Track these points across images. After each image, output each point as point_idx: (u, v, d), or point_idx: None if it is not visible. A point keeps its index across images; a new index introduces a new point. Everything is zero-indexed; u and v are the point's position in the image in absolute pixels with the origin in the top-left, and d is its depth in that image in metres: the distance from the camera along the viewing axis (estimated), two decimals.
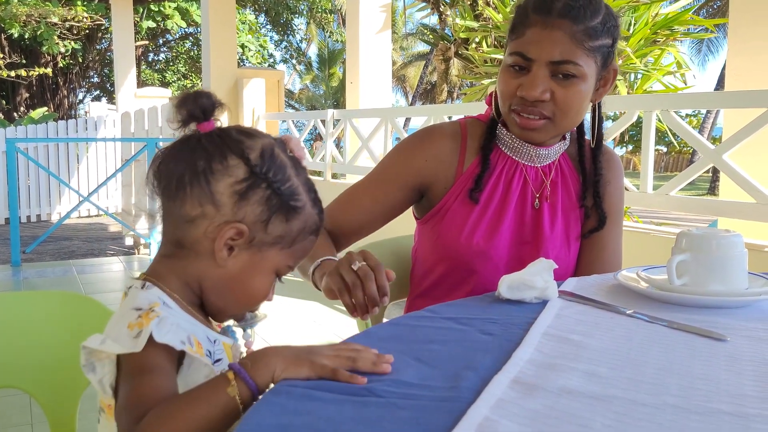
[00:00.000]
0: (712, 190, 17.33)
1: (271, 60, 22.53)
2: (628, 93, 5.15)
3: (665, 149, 26.77)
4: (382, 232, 1.32)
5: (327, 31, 29.03)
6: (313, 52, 32.60)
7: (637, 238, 2.78)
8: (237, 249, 0.79)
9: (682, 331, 0.79)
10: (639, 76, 5.27)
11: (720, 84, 19.90)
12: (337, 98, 29.00)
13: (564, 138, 1.27)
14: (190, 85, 21.56)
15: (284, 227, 0.80)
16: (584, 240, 1.28)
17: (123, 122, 6.35)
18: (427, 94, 33.35)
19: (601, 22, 1.13)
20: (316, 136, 24.87)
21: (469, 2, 6.35)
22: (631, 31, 5.02)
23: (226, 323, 0.88)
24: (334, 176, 5.37)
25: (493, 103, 1.27)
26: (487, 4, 5.87)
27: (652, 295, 0.92)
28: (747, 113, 2.62)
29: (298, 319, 3.83)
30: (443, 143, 1.25)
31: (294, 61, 29.04)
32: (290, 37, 25.47)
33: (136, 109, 9.31)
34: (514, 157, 1.25)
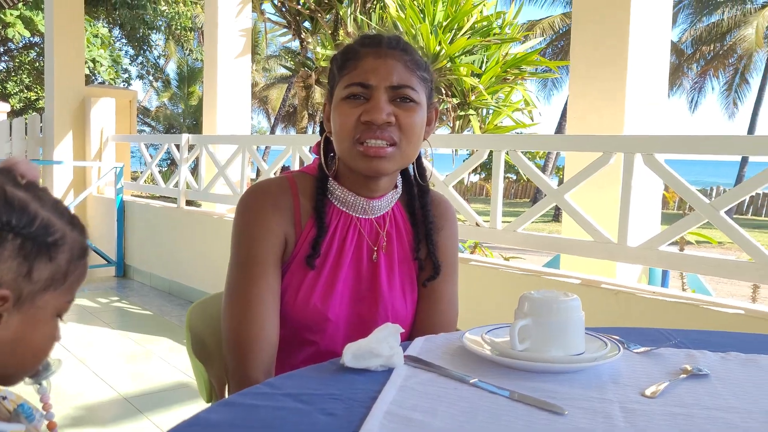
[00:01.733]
0: (557, 217, 18.52)
1: (126, 76, 21.54)
2: (480, 127, 5.37)
3: (515, 177, 28.31)
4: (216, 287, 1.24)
5: (186, 49, 28.18)
6: (171, 69, 31.56)
7: (486, 273, 2.87)
8: (6, 314, 0.70)
9: (523, 404, 0.79)
10: (490, 111, 5.52)
11: (563, 117, 21.40)
12: (197, 117, 28.17)
13: (396, 186, 1.27)
14: (35, 97, 20.12)
15: (51, 268, 0.73)
16: (421, 290, 1.28)
17: None
18: (289, 116, 33.21)
19: (422, 60, 1.21)
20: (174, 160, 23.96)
21: (329, 31, 6.38)
22: (483, 69, 5.25)
23: (19, 402, 0.78)
24: (188, 203, 5.16)
25: (321, 154, 1.25)
26: (347, 34, 5.92)
27: (495, 360, 0.92)
28: (587, 155, 2.79)
29: (104, 362, 3.60)
30: (281, 206, 1.20)
31: (151, 78, 27.87)
32: (147, 52, 24.45)
33: None
34: (347, 211, 1.23)
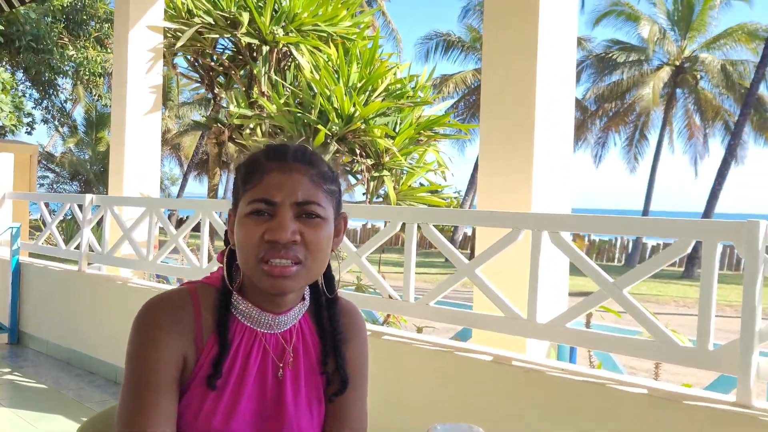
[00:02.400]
0: None
1: (29, 119, 20.66)
2: (394, 188, 5.42)
3: None
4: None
5: (95, 94, 27.40)
6: (79, 113, 30.54)
7: (399, 348, 2.84)
8: None
9: None
10: (404, 172, 5.59)
11: (476, 169, 21.99)
12: (105, 164, 27.25)
13: (303, 299, 1.23)
14: None
15: None
16: (328, 405, 1.23)
17: None
18: (203, 164, 32.64)
19: (329, 169, 1.17)
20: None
21: (243, 88, 6.34)
22: (397, 131, 5.33)
23: None
24: (90, 265, 4.91)
25: (224, 266, 1.20)
26: (262, 93, 5.90)
27: None
28: (497, 230, 2.84)
29: None
30: (180, 323, 1.13)
31: (57, 123, 26.86)
32: (53, 96, 23.61)
33: None
34: (252, 326, 1.18)
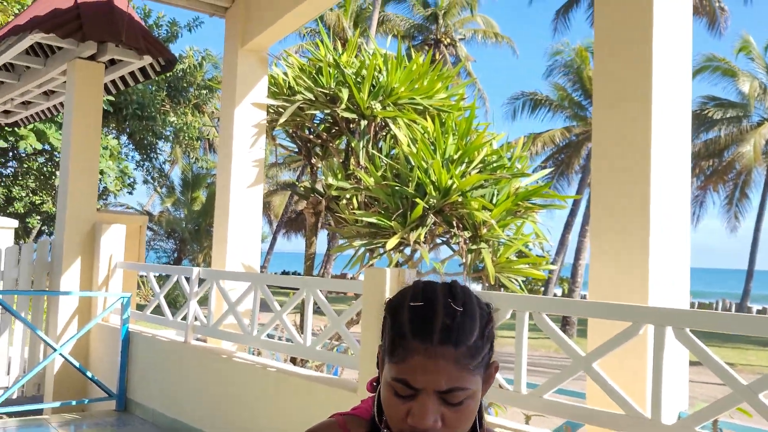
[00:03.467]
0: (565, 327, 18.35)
1: (131, 180, 21.81)
2: (492, 260, 5.35)
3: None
4: None
5: (192, 156, 28.80)
6: (176, 174, 32.10)
7: None
8: None
9: None
10: (501, 244, 5.52)
11: (566, 229, 21.54)
12: (199, 223, 28.41)
13: None
14: (39, 201, 20.32)
15: None
16: None
17: None
18: (291, 222, 33.51)
19: (479, 334, 1.11)
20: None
21: (340, 159, 6.48)
22: (494, 202, 5.29)
23: None
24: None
25: (375, 407, 1.19)
26: (359, 165, 6.01)
27: None
28: (614, 322, 2.73)
29: None
30: None
31: (156, 184, 28.31)
32: (153, 159, 24.96)
33: None
34: None
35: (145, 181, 26.54)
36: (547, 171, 6.37)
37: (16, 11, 12.67)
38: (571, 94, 24.40)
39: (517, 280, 5.62)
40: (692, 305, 25.76)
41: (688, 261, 3.11)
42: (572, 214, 21.35)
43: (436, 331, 1.08)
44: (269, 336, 4.46)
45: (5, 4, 12.75)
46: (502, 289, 5.66)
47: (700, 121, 24.22)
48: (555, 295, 22.41)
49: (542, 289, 21.18)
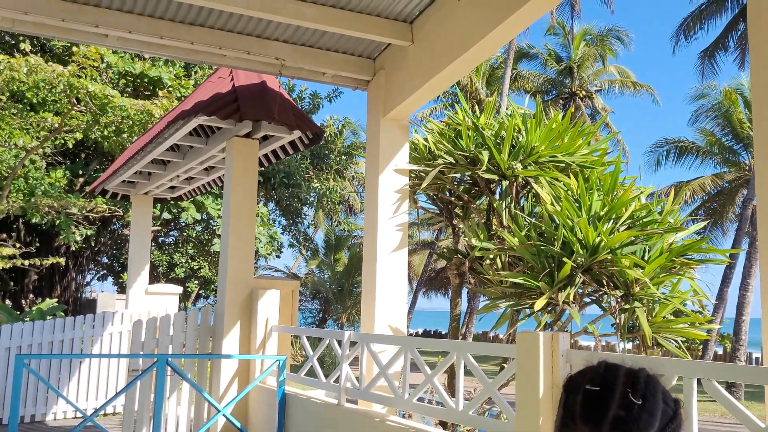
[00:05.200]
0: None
1: (279, 245, 22.95)
2: (648, 320, 5.09)
3: None
4: None
5: (334, 219, 29.91)
6: (319, 237, 33.40)
7: None
8: None
9: None
10: (657, 302, 5.25)
11: (724, 283, 20.02)
12: (342, 284, 29.18)
13: None
14: (197, 266, 21.82)
15: None
16: None
17: (134, 332, 6.27)
18: (431, 281, 33.63)
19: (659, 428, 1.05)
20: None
21: (482, 220, 6.50)
22: (646, 259, 5.07)
23: None
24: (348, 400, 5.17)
25: None
26: (501, 225, 6.00)
27: None
28: None
29: None
30: None
31: (301, 247, 29.59)
32: (299, 223, 26.18)
33: (145, 307, 9.28)
34: None
35: (291, 245, 27.85)
36: (702, 224, 6.04)
37: (180, 96, 14.00)
38: (721, 139, 23.06)
39: (675, 340, 5.32)
40: None
41: None
42: (730, 267, 19.85)
43: (607, 421, 1.05)
44: (420, 399, 4.48)
45: (170, 90, 14.14)
46: (657, 349, 5.36)
47: None
48: (715, 353, 20.71)
49: (701, 347, 19.69)
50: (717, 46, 22.30)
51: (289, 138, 6.86)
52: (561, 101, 28.06)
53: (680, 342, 5.39)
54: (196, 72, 16.18)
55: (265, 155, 7.74)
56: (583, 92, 28.44)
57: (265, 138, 7.13)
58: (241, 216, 6.60)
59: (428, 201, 7.36)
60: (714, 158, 23.26)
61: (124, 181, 9.49)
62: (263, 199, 21.52)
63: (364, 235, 6.24)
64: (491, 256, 6.08)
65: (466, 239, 6.60)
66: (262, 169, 17.74)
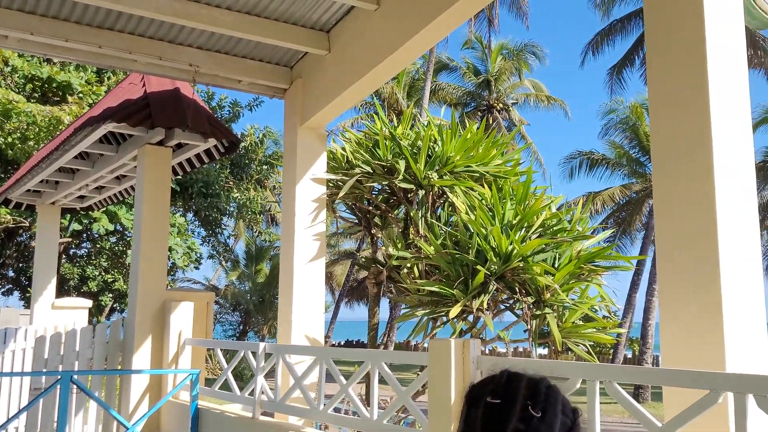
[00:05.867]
0: (636, 397, 17.52)
1: (198, 256, 22.44)
2: (558, 325, 5.24)
3: None
4: None
5: (255, 230, 29.49)
6: (240, 248, 32.85)
7: None
8: None
9: None
10: (567, 308, 5.41)
11: (632, 288, 20.91)
12: (263, 295, 28.79)
13: None
14: (111, 279, 21.04)
15: None
16: None
17: (37, 348, 5.96)
18: (353, 291, 33.62)
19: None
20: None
21: (400, 229, 6.55)
22: (556, 266, 5.23)
23: None
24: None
25: None
26: (418, 234, 6.06)
27: None
28: (690, 391, 2.63)
29: None
30: None
31: (221, 258, 29.00)
32: (218, 234, 25.66)
33: (52, 323, 8.85)
34: None
35: (211, 256, 27.24)
36: (609, 232, 6.29)
37: (91, 102, 13.50)
38: (629, 152, 24.14)
39: (584, 345, 5.49)
40: None
41: (765, 320, 3.00)
42: (638, 273, 20.77)
43: None
44: (336, 410, 4.45)
45: (81, 96, 13.61)
46: (571, 354, 5.53)
47: (766, 173, 23.55)
48: (625, 357, 21.56)
49: (611, 351, 20.47)
50: (624, 62, 23.37)
51: (204, 146, 6.71)
52: (479, 113, 28.71)
53: (588, 346, 5.57)
54: (108, 78, 15.66)
55: (180, 164, 7.55)
56: (500, 105, 29.21)
57: (179, 146, 6.95)
58: (154, 226, 6.41)
59: (347, 211, 7.36)
60: (623, 170, 24.31)
61: (29, 190, 9.04)
62: (181, 209, 20.98)
63: (281, 244, 6.17)
64: (408, 265, 6.12)
65: (385, 248, 6.63)
66: (179, 178, 17.32)
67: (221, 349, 5.87)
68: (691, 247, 2.97)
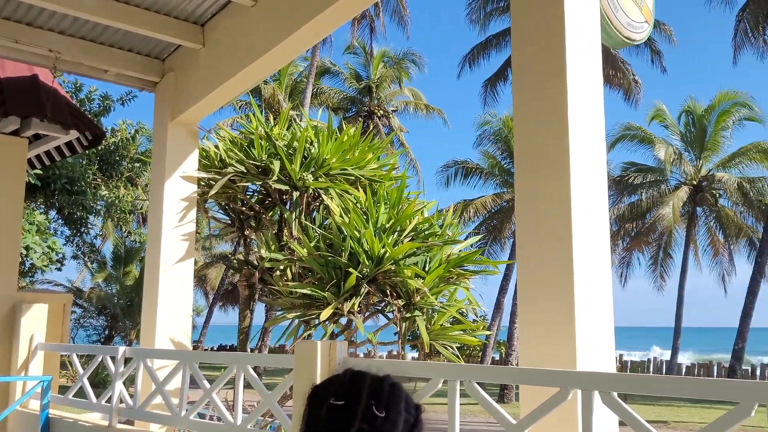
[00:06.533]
0: (501, 398, 18.26)
1: (59, 257, 21.11)
2: (426, 327, 5.35)
3: None
4: None
5: (124, 230, 28.09)
6: (107, 249, 31.21)
7: None
8: None
9: None
10: (436, 311, 5.54)
11: (501, 292, 21.79)
12: (132, 298, 27.49)
13: None
14: None
15: None
16: None
17: None
18: (228, 295, 32.80)
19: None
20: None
21: (274, 230, 6.45)
22: (427, 270, 5.33)
23: None
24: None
25: None
26: (292, 236, 5.99)
27: None
28: (543, 389, 2.75)
29: None
30: None
31: (86, 259, 27.40)
32: (84, 234, 24.25)
33: None
34: None
35: (75, 257, 25.65)
36: (478, 237, 6.50)
37: None
38: (501, 162, 25.19)
39: (452, 347, 5.63)
40: (625, 364, 26.24)
41: (612, 324, 3.19)
42: (506, 278, 21.70)
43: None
44: (200, 415, 4.30)
45: None
46: (441, 356, 5.65)
47: (623, 186, 25.37)
48: (493, 359, 22.43)
49: (480, 353, 21.22)
50: (498, 77, 24.38)
51: (65, 138, 6.30)
52: (360, 119, 28.96)
53: (456, 348, 5.72)
54: None
55: (38, 156, 7.04)
56: (381, 111, 29.60)
57: (37, 137, 6.49)
58: (4, 220, 5.93)
59: (221, 211, 7.16)
60: (495, 179, 25.33)
61: None
62: (42, 206, 19.63)
63: (147, 243, 5.90)
64: (282, 268, 6.04)
65: (258, 250, 6.50)
66: (39, 172, 16.20)
67: (78, 355, 5.52)
68: (547, 255, 3.11)
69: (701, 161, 25.62)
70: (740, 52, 22.14)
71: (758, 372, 24.03)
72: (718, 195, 25.39)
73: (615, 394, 2.45)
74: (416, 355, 6.10)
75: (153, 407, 4.59)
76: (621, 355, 28.40)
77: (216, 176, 6.06)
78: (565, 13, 3.16)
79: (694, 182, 25.40)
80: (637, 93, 23.29)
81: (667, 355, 27.21)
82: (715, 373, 23.93)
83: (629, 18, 3.82)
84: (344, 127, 6.27)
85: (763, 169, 24.64)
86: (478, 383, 2.82)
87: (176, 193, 5.78)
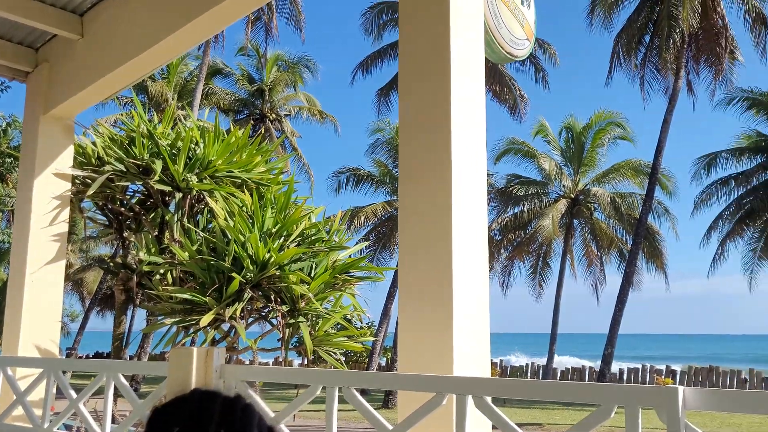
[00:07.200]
0: (386, 403, 18.45)
1: None
2: (310, 334, 5.31)
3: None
4: None
5: None
6: None
7: None
8: None
9: None
10: (320, 317, 5.51)
11: (389, 299, 22.05)
12: (0, 300, 25.63)
13: None
14: None
15: None
16: None
17: None
18: (106, 300, 31.26)
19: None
20: None
21: (154, 234, 6.20)
22: (312, 276, 5.30)
23: None
24: None
25: None
26: (173, 240, 5.79)
27: None
28: (420, 394, 2.79)
29: None
30: None
31: None
32: None
33: None
34: None
35: None
36: (364, 244, 6.56)
37: None
38: (392, 170, 25.57)
39: (336, 353, 5.62)
40: (505, 369, 27.23)
41: (488, 330, 3.29)
42: (394, 284, 22.01)
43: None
44: (67, 427, 4.05)
45: None
46: (327, 363, 5.62)
47: (507, 197, 26.44)
48: (379, 365, 22.65)
49: (366, 360, 21.36)
50: (391, 86, 24.74)
51: None
52: (252, 122, 28.51)
53: (340, 354, 5.71)
54: None
55: None
56: (274, 115, 29.28)
57: None
58: None
59: (98, 212, 6.81)
60: (386, 187, 25.66)
61: None
62: None
63: (12, 243, 5.52)
64: (162, 272, 5.81)
65: (136, 253, 6.23)
66: None
67: None
68: (428, 263, 3.17)
69: (579, 176, 27.12)
70: (612, 74, 23.65)
71: (624, 376, 25.60)
72: (593, 208, 26.95)
73: (489, 398, 2.52)
74: (302, 361, 6.05)
75: (13, 419, 4.28)
76: (501, 361, 29.48)
77: (93, 175, 5.76)
78: (450, 29, 3.24)
79: (572, 195, 26.84)
80: (523, 108, 24.37)
81: (543, 360, 28.52)
82: (587, 377, 25.30)
83: (512, 35, 3.97)
84: (233, 129, 6.12)
85: (634, 185, 26.42)
86: (360, 389, 2.82)
87: (47, 191, 5.44)
